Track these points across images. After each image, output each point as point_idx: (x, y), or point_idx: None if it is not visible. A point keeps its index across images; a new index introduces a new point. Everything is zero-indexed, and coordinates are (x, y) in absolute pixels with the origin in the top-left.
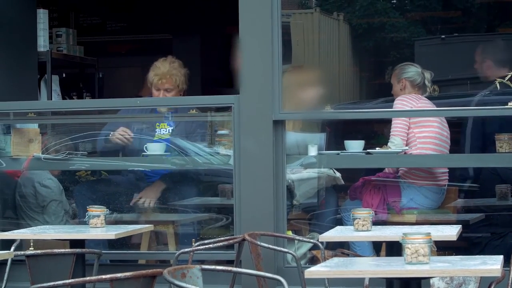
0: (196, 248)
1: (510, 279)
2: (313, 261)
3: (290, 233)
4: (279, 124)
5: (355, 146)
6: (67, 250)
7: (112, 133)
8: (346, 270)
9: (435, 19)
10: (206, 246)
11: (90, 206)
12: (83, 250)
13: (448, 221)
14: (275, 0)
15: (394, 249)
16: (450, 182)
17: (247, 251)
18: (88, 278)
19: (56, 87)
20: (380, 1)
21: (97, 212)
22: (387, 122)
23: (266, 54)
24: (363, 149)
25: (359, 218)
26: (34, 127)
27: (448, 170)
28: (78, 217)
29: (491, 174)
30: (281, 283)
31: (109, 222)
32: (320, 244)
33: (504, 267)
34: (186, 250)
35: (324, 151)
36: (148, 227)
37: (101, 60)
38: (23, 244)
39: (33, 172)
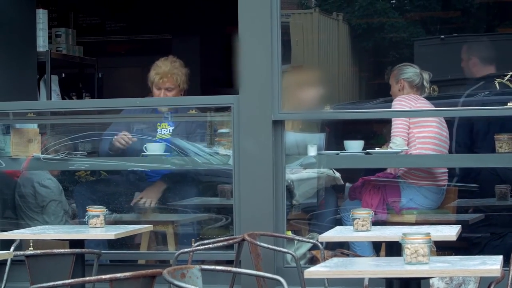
0: (196, 248)
1: (510, 279)
2: (313, 261)
3: (289, 233)
4: (278, 124)
5: (354, 146)
6: (66, 250)
7: (114, 137)
8: (346, 270)
9: (435, 19)
10: (206, 246)
11: (90, 206)
12: (83, 250)
13: (448, 221)
14: (274, 0)
15: (393, 249)
16: (450, 182)
17: (246, 251)
18: (87, 278)
19: (55, 87)
20: (380, 1)
21: (96, 212)
22: (387, 122)
23: (265, 54)
24: (363, 149)
25: (359, 218)
26: (33, 127)
27: (447, 170)
28: (78, 217)
29: (491, 174)
30: (280, 283)
31: (109, 222)
32: (319, 244)
33: (503, 267)
34: (186, 250)
35: (324, 151)
36: (148, 227)
37: (100, 60)
38: (22, 244)
39: (33, 172)
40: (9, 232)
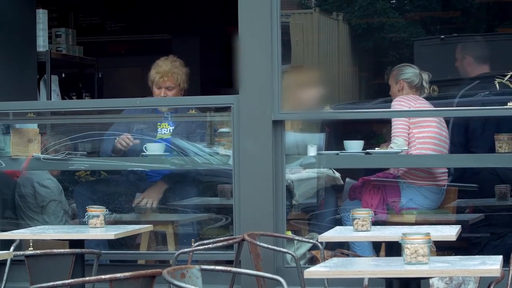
0: (196, 248)
1: (510, 279)
2: (313, 261)
3: (289, 233)
4: (278, 124)
5: (354, 146)
6: (66, 250)
7: (116, 139)
8: (346, 270)
9: (435, 19)
10: (206, 246)
11: (90, 206)
12: (83, 250)
13: (448, 221)
14: (274, 0)
15: (393, 249)
16: (450, 183)
17: (246, 251)
18: (87, 278)
19: (55, 87)
20: (380, 1)
21: (96, 212)
22: (387, 122)
23: (265, 54)
24: (363, 149)
25: (359, 218)
26: (33, 127)
27: (447, 170)
28: (78, 217)
29: (491, 174)
30: (280, 283)
31: (109, 222)
32: (319, 244)
33: (503, 267)
34: (186, 250)
35: (324, 151)
36: (148, 227)
37: (100, 60)
38: (22, 244)
39: (33, 172)
40: (9, 232)
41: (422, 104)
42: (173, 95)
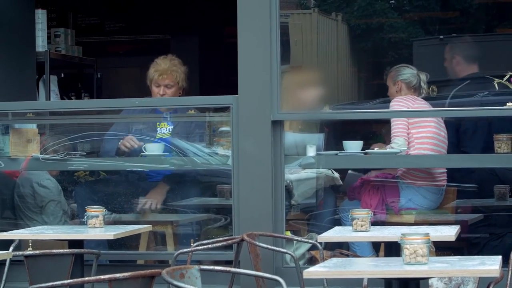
0: (195, 248)
1: (509, 279)
2: (312, 261)
3: (288, 234)
4: (277, 125)
5: (353, 146)
6: (65, 250)
7: (120, 142)
8: (345, 270)
9: (434, 20)
10: (205, 246)
11: (89, 206)
12: (82, 250)
13: (447, 221)
14: (273, 0)
15: (392, 249)
16: (449, 183)
17: (245, 252)
18: (86, 278)
19: (54, 87)
20: (379, 2)
21: (95, 212)
22: (386, 122)
23: (264, 55)
24: (362, 150)
25: (358, 219)
26: (32, 127)
27: (446, 170)
28: (78, 217)
29: (490, 175)
30: (279, 284)
31: (108, 223)
32: (318, 245)
33: (502, 267)
34: (185, 250)
35: (323, 152)
36: (147, 227)
37: (99, 60)
38: (21, 245)
39: (32, 172)
40: (8, 232)
41: (420, 104)
42: (172, 93)
